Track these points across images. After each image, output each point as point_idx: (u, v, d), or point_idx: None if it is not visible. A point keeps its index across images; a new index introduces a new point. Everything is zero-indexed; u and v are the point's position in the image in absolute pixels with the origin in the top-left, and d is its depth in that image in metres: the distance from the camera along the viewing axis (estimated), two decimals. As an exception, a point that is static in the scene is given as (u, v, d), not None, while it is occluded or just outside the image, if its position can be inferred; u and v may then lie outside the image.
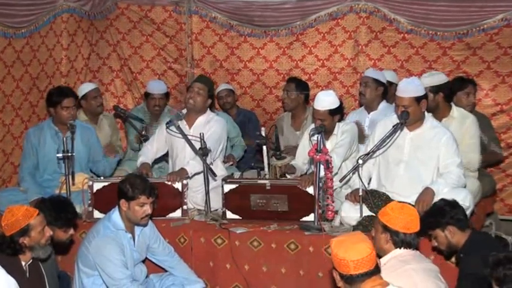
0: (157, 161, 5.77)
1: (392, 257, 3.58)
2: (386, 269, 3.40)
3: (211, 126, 5.38)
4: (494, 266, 2.98)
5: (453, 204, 4.10)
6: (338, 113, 5.24)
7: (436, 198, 4.44)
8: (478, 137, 5.28)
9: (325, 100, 5.14)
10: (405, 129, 4.83)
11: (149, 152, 5.53)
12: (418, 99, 4.71)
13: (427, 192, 4.60)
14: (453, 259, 4.31)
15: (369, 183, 4.97)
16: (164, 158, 5.76)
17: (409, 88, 4.73)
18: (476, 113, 5.72)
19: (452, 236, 4.00)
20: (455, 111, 5.28)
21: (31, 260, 3.82)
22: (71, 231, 4.33)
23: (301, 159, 5.44)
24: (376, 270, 3.08)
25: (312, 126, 5.24)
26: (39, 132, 5.50)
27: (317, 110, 5.14)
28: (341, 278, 3.09)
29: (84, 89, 6.27)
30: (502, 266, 2.96)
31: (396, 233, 3.61)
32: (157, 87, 6.55)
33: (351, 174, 4.82)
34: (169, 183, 5.09)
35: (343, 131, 5.27)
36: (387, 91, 5.89)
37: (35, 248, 3.76)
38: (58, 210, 4.20)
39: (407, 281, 3.30)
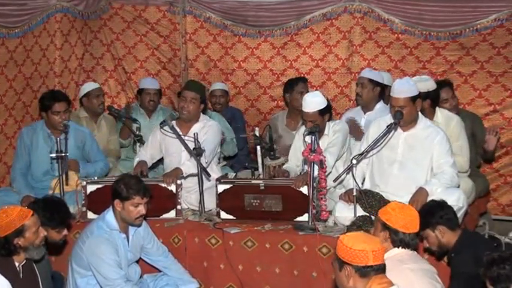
0: (152, 166, 5.74)
1: (390, 257, 3.55)
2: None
3: (206, 132, 5.38)
4: (488, 265, 2.99)
5: (442, 204, 4.11)
6: (327, 112, 5.24)
7: (430, 198, 4.45)
8: (464, 139, 5.23)
9: (313, 101, 5.15)
10: (399, 129, 4.83)
11: (144, 157, 5.53)
12: (413, 99, 4.72)
13: (421, 192, 4.60)
14: (444, 259, 4.31)
15: (362, 183, 4.97)
16: (159, 161, 5.74)
17: (404, 88, 4.73)
18: (467, 112, 5.73)
19: (443, 235, 4.00)
20: (440, 115, 5.26)
21: (25, 261, 3.79)
22: (65, 231, 4.31)
23: (294, 161, 5.44)
24: (385, 267, 3.09)
25: (304, 127, 5.24)
26: (32, 132, 5.47)
27: (306, 113, 5.14)
28: (356, 271, 3.04)
29: (87, 87, 6.37)
30: (496, 265, 2.97)
31: (396, 231, 3.63)
32: (151, 83, 6.73)
33: (344, 174, 4.82)
34: (164, 185, 5.09)
35: (334, 130, 5.28)
36: (384, 91, 5.88)
37: (29, 248, 3.74)
38: (52, 210, 4.19)
39: (404, 281, 3.30)
